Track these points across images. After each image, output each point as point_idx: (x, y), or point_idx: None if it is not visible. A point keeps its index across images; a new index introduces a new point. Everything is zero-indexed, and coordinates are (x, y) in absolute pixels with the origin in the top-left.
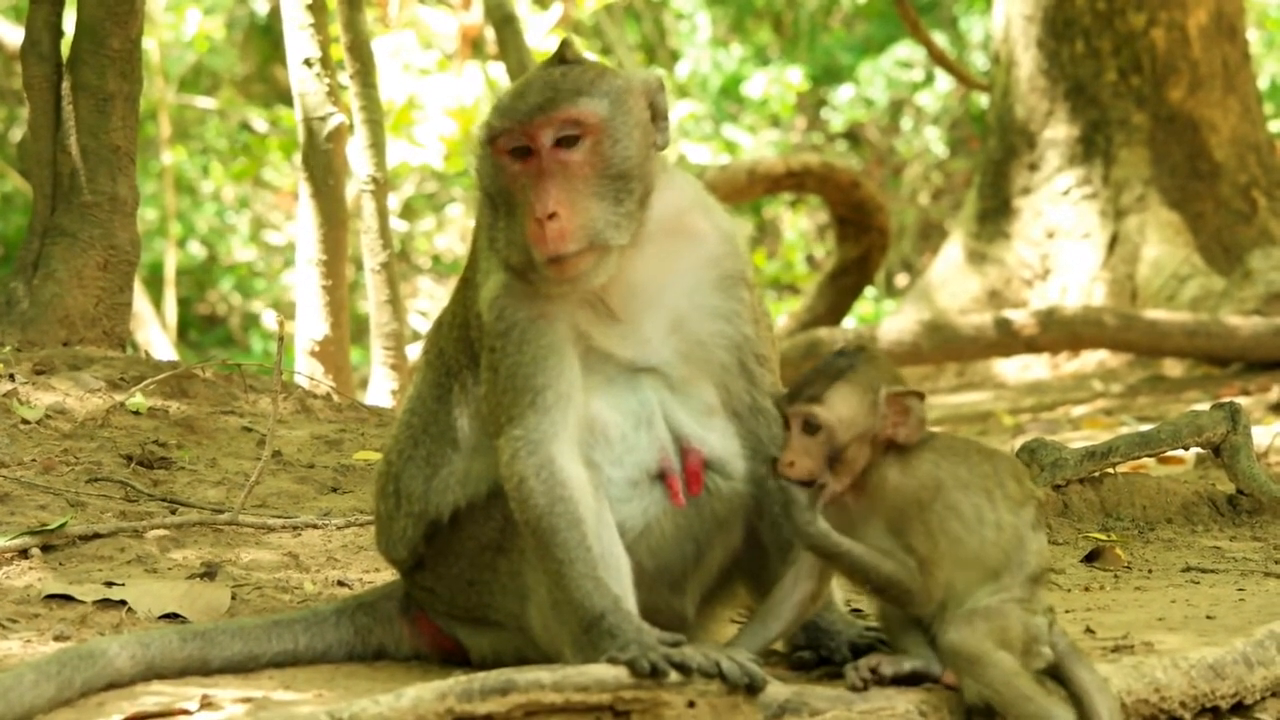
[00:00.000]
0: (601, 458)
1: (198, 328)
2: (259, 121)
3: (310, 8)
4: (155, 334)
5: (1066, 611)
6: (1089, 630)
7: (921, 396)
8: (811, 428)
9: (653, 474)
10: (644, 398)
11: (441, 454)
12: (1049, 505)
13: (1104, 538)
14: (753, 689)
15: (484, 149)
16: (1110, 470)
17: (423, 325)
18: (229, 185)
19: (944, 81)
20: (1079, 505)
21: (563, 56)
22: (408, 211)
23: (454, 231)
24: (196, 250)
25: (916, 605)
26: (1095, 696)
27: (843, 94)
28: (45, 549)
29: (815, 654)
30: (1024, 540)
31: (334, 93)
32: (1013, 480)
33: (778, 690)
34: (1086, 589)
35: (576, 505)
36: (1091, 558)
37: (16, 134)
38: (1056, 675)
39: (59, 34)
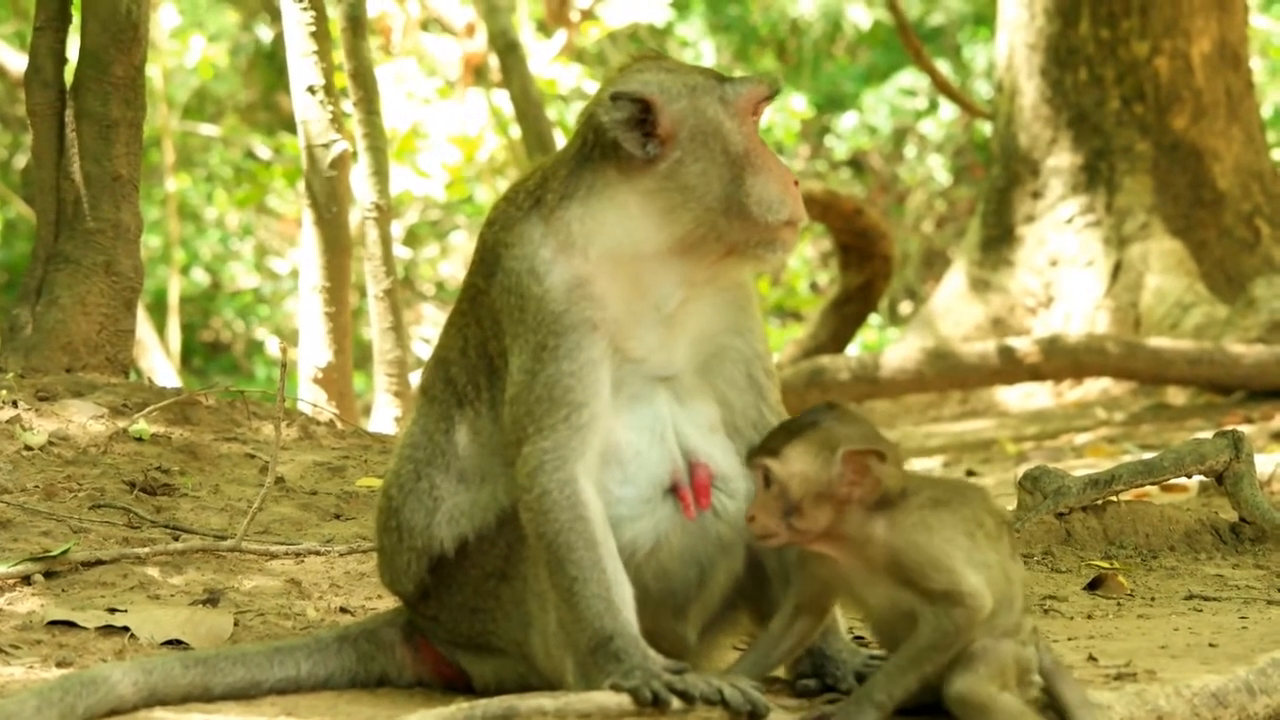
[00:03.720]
0: (611, 480)
1: (201, 355)
2: (263, 148)
3: (314, 35)
4: (159, 361)
5: (1069, 639)
6: (1092, 658)
7: (882, 456)
8: (769, 482)
9: (665, 488)
10: (658, 411)
11: (446, 487)
12: (1051, 534)
13: (1107, 565)
14: (755, 717)
15: (740, 108)
16: (1113, 498)
17: (426, 352)
18: (233, 212)
19: (947, 109)
20: (1082, 533)
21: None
22: (411, 239)
23: (458, 259)
24: (200, 277)
25: (970, 638)
26: (1079, 712)
27: (846, 121)
28: (48, 575)
29: (820, 682)
30: (1010, 574)
31: (337, 120)
32: (988, 515)
33: (781, 718)
34: (1089, 616)
35: (594, 528)
36: (1094, 585)
37: (21, 161)
38: (1043, 690)
39: (63, 61)
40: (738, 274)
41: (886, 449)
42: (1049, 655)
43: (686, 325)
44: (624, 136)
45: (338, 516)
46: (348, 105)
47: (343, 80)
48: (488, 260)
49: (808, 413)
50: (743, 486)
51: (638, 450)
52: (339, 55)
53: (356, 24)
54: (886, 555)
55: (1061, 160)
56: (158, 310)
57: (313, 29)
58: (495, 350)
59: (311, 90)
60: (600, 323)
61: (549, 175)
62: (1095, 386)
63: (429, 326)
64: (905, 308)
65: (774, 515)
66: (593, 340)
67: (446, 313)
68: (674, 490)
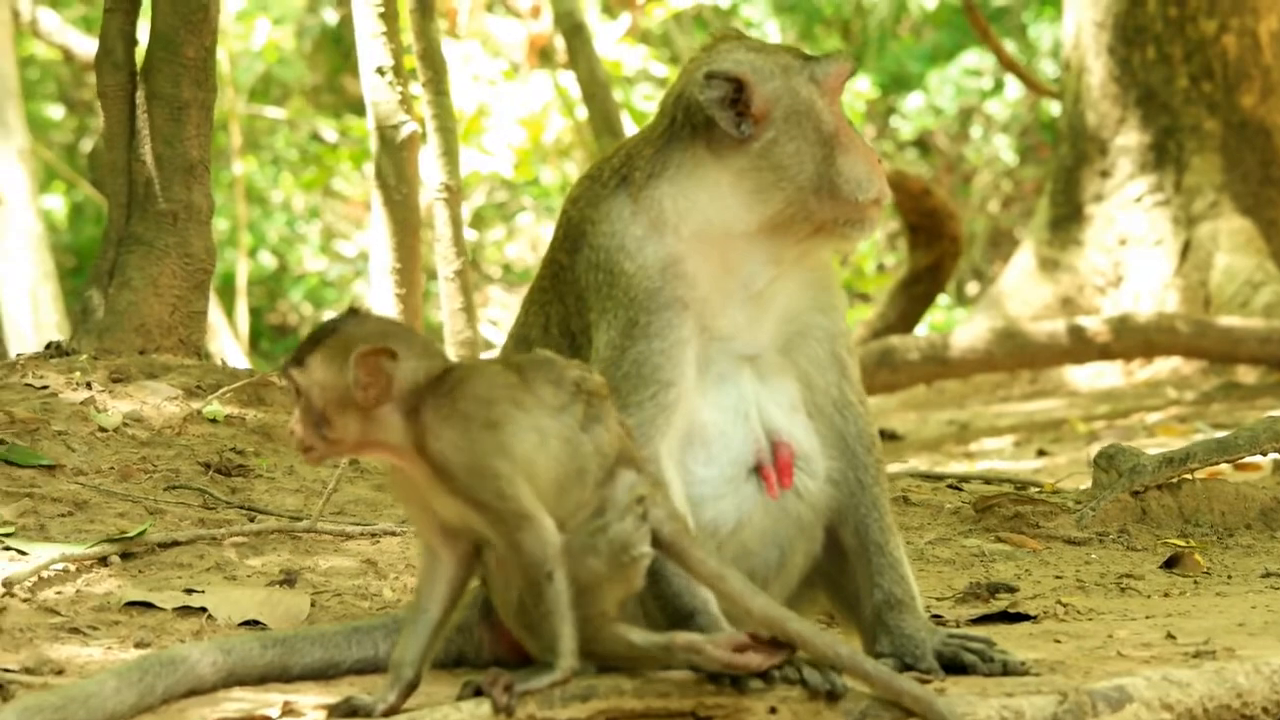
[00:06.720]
0: (694, 459)
1: (269, 337)
2: (329, 131)
3: (383, 16)
4: (228, 343)
5: (1147, 617)
6: (1170, 636)
7: (394, 354)
8: (298, 392)
9: (748, 467)
10: (742, 390)
11: None
12: (1127, 512)
13: (1183, 544)
14: (833, 696)
15: (829, 87)
16: (1188, 476)
17: (493, 334)
18: (299, 195)
19: (1013, 89)
20: (1157, 511)
21: None
22: (478, 220)
23: (524, 241)
24: (267, 260)
25: (547, 558)
26: (725, 583)
27: (912, 102)
28: (124, 556)
29: (899, 661)
30: (574, 443)
31: (406, 101)
32: (550, 386)
33: (859, 697)
34: (1166, 595)
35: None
36: (1171, 564)
37: (87, 144)
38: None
39: (133, 43)
40: (823, 252)
41: (403, 345)
42: (673, 523)
43: (773, 303)
44: (719, 115)
45: None
46: (416, 87)
47: (411, 61)
48: (572, 236)
49: (333, 318)
50: (822, 466)
51: (722, 430)
52: (407, 36)
53: (425, 5)
54: (432, 458)
55: (1130, 139)
56: (226, 293)
57: (381, 10)
58: (578, 327)
59: (380, 71)
60: (690, 301)
61: (634, 154)
62: (1165, 366)
63: (496, 308)
64: (972, 288)
65: (306, 426)
66: (683, 319)
67: (514, 295)
68: (757, 470)
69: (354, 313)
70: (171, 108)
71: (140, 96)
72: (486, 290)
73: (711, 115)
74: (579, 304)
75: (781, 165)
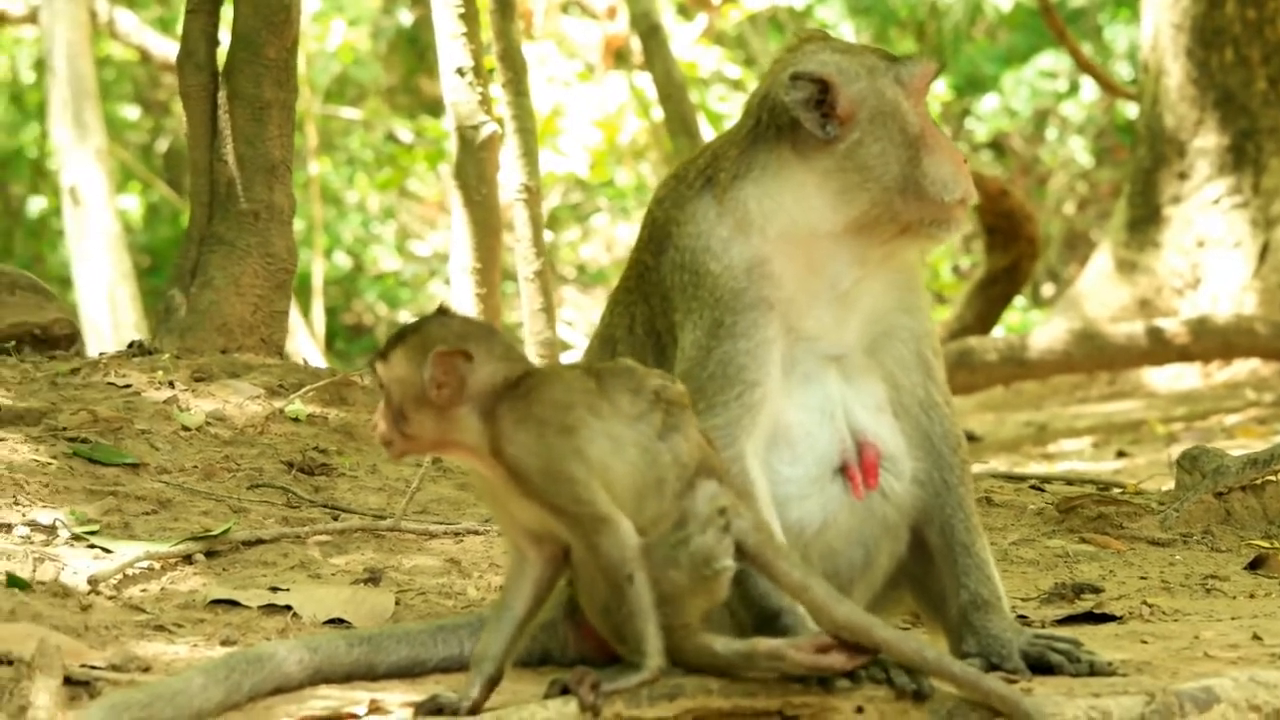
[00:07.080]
0: (780, 459)
1: (344, 337)
2: (404, 132)
3: (463, 17)
4: (304, 343)
5: (1232, 619)
6: (1256, 637)
7: (469, 356)
8: (382, 386)
9: (834, 468)
10: (828, 391)
11: None
12: (1211, 513)
13: (1267, 545)
14: (920, 696)
15: (914, 88)
16: (1272, 477)
17: (569, 335)
18: (374, 195)
19: (1089, 91)
20: (1241, 512)
21: None
22: (553, 222)
23: (599, 242)
24: (342, 261)
25: (626, 560)
26: (808, 594)
27: (987, 104)
28: (209, 555)
29: (986, 661)
30: (651, 453)
31: (486, 101)
32: (628, 394)
33: (945, 697)
34: (1252, 596)
35: (761, 505)
36: (1256, 565)
37: (163, 145)
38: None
39: (215, 43)
40: (909, 253)
41: (482, 349)
42: (757, 534)
43: (858, 304)
44: (804, 116)
45: None
46: (494, 88)
47: (490, 62)
48: (657, 237)
49: (422, 317)
50: (908, 467)
51: (807, 430)
52: (486, 37)
53: (505, 5)
54: (507, 461)
55: (1208, 141)
56: (301, 293)
57: (461, 11)
58: (663, 327)
59: (460, 72)
60: (776, 302)
61: (719, 154)
62: (1244, 367)
63: (571, 309)
64: (1048, 290)
65: (386, 419)
66: (769, 319)
67: (589, 296)
68: (843, 470)
69: (442, 312)
70: (253, 108)
71: (222, 97)
72: (561, 291)
73: (797, 116)
74: (664, 304)
75: (867, 166)
